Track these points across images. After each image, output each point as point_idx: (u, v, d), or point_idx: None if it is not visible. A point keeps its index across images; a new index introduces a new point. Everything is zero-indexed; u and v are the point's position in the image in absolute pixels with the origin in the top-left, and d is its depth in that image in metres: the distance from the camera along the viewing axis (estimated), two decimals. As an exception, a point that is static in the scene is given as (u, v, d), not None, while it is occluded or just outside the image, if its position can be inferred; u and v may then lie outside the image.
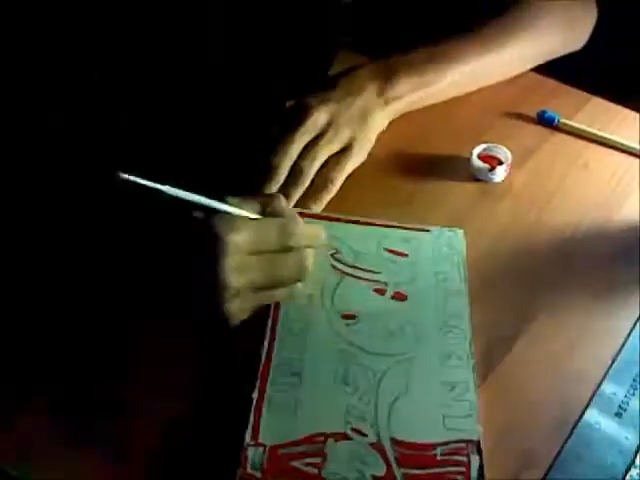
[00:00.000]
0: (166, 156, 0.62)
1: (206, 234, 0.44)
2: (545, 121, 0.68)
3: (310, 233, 0.51)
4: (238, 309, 0.46)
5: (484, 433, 0.44)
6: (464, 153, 0.64)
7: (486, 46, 0.70)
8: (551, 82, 0.74)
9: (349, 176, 0.62)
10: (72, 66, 0.60)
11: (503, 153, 0.63)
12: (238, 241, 0.44)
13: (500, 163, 0.63)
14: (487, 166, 0.62)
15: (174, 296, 0.47)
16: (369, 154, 0.64)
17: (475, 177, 0.63)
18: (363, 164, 0.63)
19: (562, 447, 0.45)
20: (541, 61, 0.75)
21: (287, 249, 0.48)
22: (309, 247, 0.50)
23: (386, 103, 0.65)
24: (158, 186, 0.44)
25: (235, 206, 0.47)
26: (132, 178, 0.43)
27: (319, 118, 0.61)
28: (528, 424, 0.46)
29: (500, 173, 0.62)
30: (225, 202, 0.47)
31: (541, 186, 0.62)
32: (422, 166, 0.64)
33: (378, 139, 0.65)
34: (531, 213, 0.60)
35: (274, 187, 0.58)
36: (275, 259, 0.47)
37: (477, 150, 0.63)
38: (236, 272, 0.44)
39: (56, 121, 0.61)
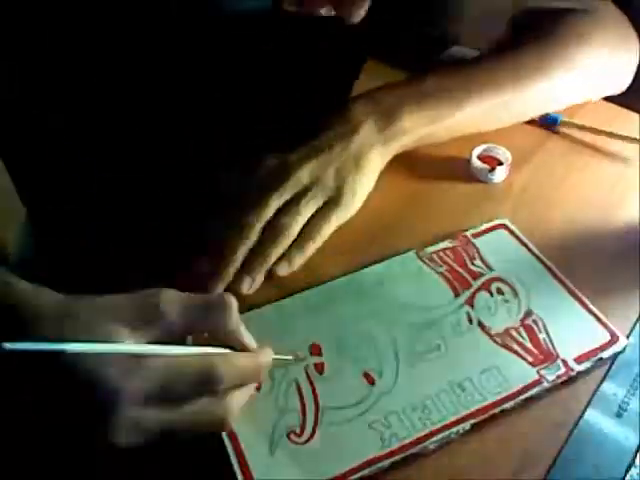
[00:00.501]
0: (163, 156, 0.62)
1: (93, 385, 0.35)
2: (548, 122, 0.68)
3: (248, 367, 0.41)
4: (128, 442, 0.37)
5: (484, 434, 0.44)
6: (464, 154, 0.64)
7: (515, 77, 0.62)
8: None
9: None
10: (71, 65, 0.60)
11: (503, 154, 0.63)
12: (134, 390, 0.35)
13: (500, 164, 0.63)
14: (487, 167, 0.62)
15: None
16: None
17: (475, 178, 0.63)
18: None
19: (562, 447, 0.45)
20: (580, 101, 0.67)
21: (210, 392, 0.39)
22: (243, 383, 0.41)
23: (387, 140, 0.59)
24: (61, 347, 0.35)
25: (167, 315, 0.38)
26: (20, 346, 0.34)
27: (301, 177, 0.56)
28: (528, 424, 0.46)
29: (500, 174, 0.62)
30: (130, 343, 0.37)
31: (541, 186, 0.62)
32: (422, 167, 0.64)
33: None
34: (531, 213, 0.60)
35: (243, 248, 0.52)
36: (186, 412, 0.38)
37: (477, 151, 0.63)
38: (129, 430, 0.36)
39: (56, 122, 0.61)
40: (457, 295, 0.52)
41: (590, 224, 0.59)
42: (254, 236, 0.53)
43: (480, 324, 0.50)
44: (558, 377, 0.47)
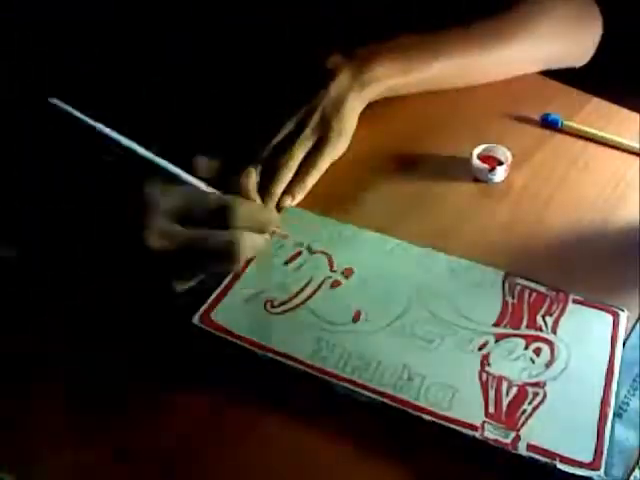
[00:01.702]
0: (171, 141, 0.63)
1: (136, 195, 0.46)
2: (549, 124, 0.68)
3: (257, 216, 0.50)
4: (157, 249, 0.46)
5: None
6: (464, 153, 0.64)
7: (480, 42, 0.69)
8: (551, 82, 0.74)
9: (349, 176, 0.62)
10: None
11: (503, 153, 0.63)
12: (166, 206, 0.46)
13: (500, 163, 0.63)
14: (487, 167, 0.62)
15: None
16: (370, 154, 0.64)
17: (475, 177, 0.63)
18: (364, 165, 0.64)
19: (562, 447, 0.45)
20: (540, 68, 0.73)
21: (225, 226, 0.47)
22: (254, 230, 0.49)
23: (362, 86, 0.64)
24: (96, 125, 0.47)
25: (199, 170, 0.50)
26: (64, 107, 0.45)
27: (290, 123, 0.61)
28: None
29: (500, 173, 0.62)
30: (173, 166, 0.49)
31: (541, 186, 0.62)
32: (422, 166, 0.64)
33: (377, 139, 0.65)
34: (531, 213, 0.60)
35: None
36: (201, 233, 0.46)
37: (477, 150, 0.63)
38: (159, 236, 0.45)
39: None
40: (496, 325, 0.50)
41: (590, 224, 0.59)
42: (255, 177, 0.56)
43: (484, 357, 0.48)
44: (495, 441, 0.43)
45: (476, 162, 0.63)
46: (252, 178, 0.53)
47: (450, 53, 0.68)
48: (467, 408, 0.45)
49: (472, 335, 0.50)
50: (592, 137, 0.67)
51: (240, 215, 0.47)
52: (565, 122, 0.68)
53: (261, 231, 0.50)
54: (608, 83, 0.70)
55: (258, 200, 0.53)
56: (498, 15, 0.70)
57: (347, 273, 0.53)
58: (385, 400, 0.46)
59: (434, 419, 0.45)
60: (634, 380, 0.48)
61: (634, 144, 0.65)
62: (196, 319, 0.49)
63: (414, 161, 0.65)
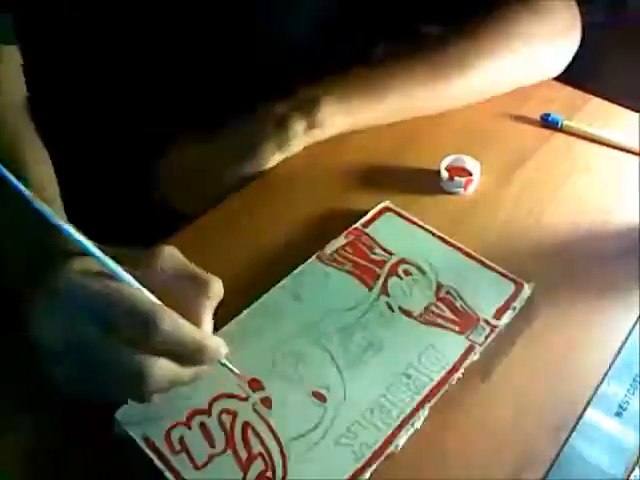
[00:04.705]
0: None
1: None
2: (549, 124, 0.68)
3: (190, 340, 0.38)
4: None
5: (484, 433, 0.44)
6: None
7: (438, 72, 0.65)
8: (551, 82, 0.74)
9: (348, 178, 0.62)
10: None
11: (471, 163, 0.62)
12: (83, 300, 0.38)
13: (470, 174, 0.62)
14: (461, 180, 0.61)
15: None
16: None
17: (443, 190, 0.62)
18: (351, 169, 0.64)
19: (562, 447, 0.44)
20: (505, 90, 0.70)
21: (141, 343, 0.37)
22: (176, 357, 0.39)
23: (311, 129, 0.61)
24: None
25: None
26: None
27: None
28: (528, 424, 0.46)
29: (469, 185, 0.61)
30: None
31: (541, 187, 0.62)
32: (419, 168, 0.64)
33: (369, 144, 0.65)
34: (531, 214, 0.60)
35: None
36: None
37: (445, 163, 0.62)
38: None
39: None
40: (370, 288, 0.52)
41: (590, 224, 0.59)
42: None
43: (401, 309, 0.51)
44: (486, 337, 0.49)
45: (444, 174, 0.62)
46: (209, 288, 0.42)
47: (400, 89, 0.64)
48: (450, 345, 0.48)
49: (375, 310, 0.51)
50: (592, 137, 0.67)
51: (160, 335, 0.37)
52: (565, 122, 0.68)
53: (187, 361, 0.39)
54: (608, 83, 0.70)
55: (207, 318, 0.41)
56: (462, 35, 0.67)
57: (255, 386, 0.46)
58: (426, 404, 0.45)
59: (459, 375, 0.47)
60: (634, 380, 0.48)
61: (634, 144, 0.65)
62: None
63: (412, 163, 0.65)
